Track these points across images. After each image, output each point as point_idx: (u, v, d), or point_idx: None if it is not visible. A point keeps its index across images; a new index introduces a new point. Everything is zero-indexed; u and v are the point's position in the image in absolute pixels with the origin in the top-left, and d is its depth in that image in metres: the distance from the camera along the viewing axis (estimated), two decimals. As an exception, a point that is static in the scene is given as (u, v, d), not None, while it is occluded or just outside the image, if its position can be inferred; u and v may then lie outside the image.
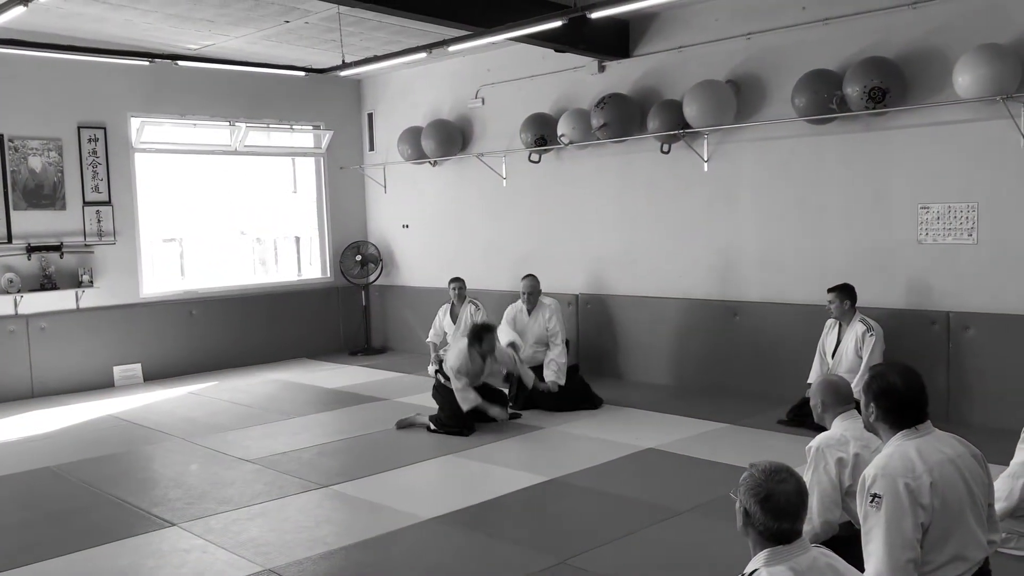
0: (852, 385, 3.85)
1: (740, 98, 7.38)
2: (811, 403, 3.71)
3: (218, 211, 10.69)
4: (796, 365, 6.75)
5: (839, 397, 3.59)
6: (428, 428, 6.69)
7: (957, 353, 6.35)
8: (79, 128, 8.71)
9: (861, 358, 6.14)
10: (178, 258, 11.20)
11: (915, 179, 6.53)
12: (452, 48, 7.37)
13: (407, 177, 10.53)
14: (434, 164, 10.03)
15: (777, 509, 2.36)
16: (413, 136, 9.86)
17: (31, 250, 8.37)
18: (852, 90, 6.41)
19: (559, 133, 8.38)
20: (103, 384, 8.85)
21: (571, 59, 8.46)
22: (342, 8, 7.18)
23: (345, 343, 10.79)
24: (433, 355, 9.01)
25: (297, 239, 11.50)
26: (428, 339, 9.06)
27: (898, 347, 6.28)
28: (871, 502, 2.70)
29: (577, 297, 8.73)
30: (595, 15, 6.27)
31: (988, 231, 6.21)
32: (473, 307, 8.80)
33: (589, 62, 8.43)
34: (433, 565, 4.24)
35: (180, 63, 8.46)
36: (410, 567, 4.23)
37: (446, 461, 5.94)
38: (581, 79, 8.58)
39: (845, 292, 6.31)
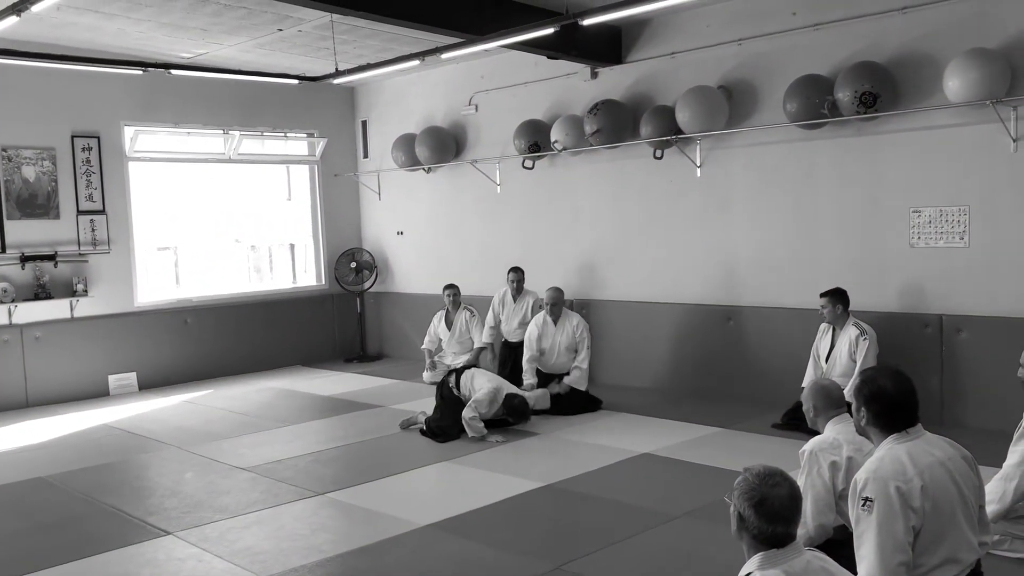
0: (845, 389, 3.86)
1: (732, 104, 7.41)
2: (803, 408, 3.73)
3: (212, 219, 10.69)
4: (790, 369, 6.77)
5: (831, 401, 3.60)
6: (420, 430, 6.71)
7: (950, 356, 6.38)
8: (73, 137, 8.72)
9: (855, 362, 6.16)
10: (173, 266, 11.19)
11: (907, 183, 6.56)
12: (445, 55, 7.40)
13: (401, 184, 10.54)
14: (428, 171, 10.04)
15: (771, 513, 2.38)
16: (407, 143, 9.88)
17: (25, 260, 8.36)
18: (843, 95, 6.44)
19: (552, 139, 8.41)
20: (98, 393, 8.84)
21: (564, 66, 8.49)
22: (335, 16, 7.20)
23: (340, 350, 10.79)
24: (428, 361, 9.04)
25: (292, 247, 11.50)
26: (423, 346, 9.09)
27: (891, 350, 6.30)
28: (862, 506, 2.71)
29: (571, 303, 8.74)
30: (587, 22, 6.30)
31: (979, 234, 6.24)
32: (468, 313, 8.87)
33: (582, 68, 8.46)
34: (429, 572, 4.24)
35: (173, 72, 8.46)
36: (406, 574, 4.23)
37: (442, 468, 5.94)
38: (574, 85, 8.61)
39: (838, 296, 6.34)
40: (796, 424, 6.01)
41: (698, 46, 7.65)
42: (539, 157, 8.78)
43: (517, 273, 8.49)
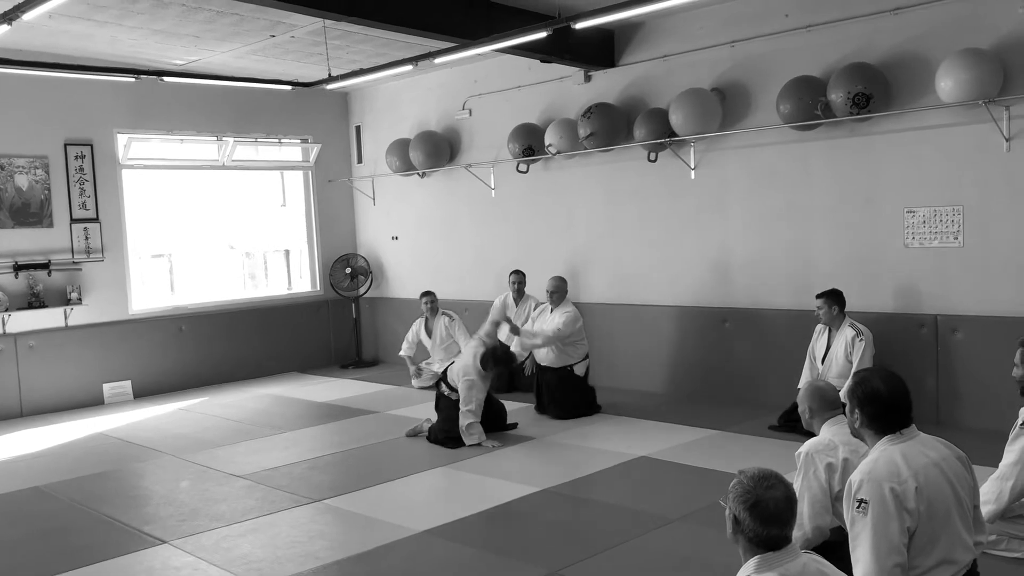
0: (841, 390, 3.86)
1: (725, 106, 7.42)
2: (799, 409, 3.72)
3: (207, 226, 10.67)
4: (786, 371, 6.77)
5: (826, 403, 3.60)
6: (427, 437, 6.70)
7: (946, 356, 6.38)
8: (66, 145, 8.70)
9: (851, 363, 6.15)
10: (167, 274, 11.16)
11: (901, 183, 6.57)
12: (438, 60, 7.40)
13: (396, 189, 10.54)
14: (422, 176, 10.04)
15: (766, 515, 2.37)
16: (401, 148, 9.88)
17: (18, 268, 8.33)
18: (836, 96, 6.45)
19: (546, 143, 8.41)
20: (92, 402, 8.81)
21: (557, 69, 8.50)
22: (327, 22, 7.20)
23: (336, 357, 10.77)
24: (412, 368, 9.02)
25: (286, 253, 11.48)
26: (402, 352, 9.09)
27: (887, 351, 6.30)
28: (857, 508, 2.71)
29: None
30: (580, 25, 6.30)
31: (974, 234, 6.25)
32: (447, 319, 8.93)
33: (575, 72, 8.46)
34: (426, 578, 4.23)
35: (166, 79, 8.44)
36: (403, 580, 4.22)
37: (438, 473, 5.93)
38: (567, 89, 8.61)
39: (833, 298, 6.34)
40: (793, 426, 6.01)
41: (691, 48, 7.65)
42: (533, 161, 8.78)
43: (518, 276, 8.55)
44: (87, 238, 8.84)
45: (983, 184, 6.18)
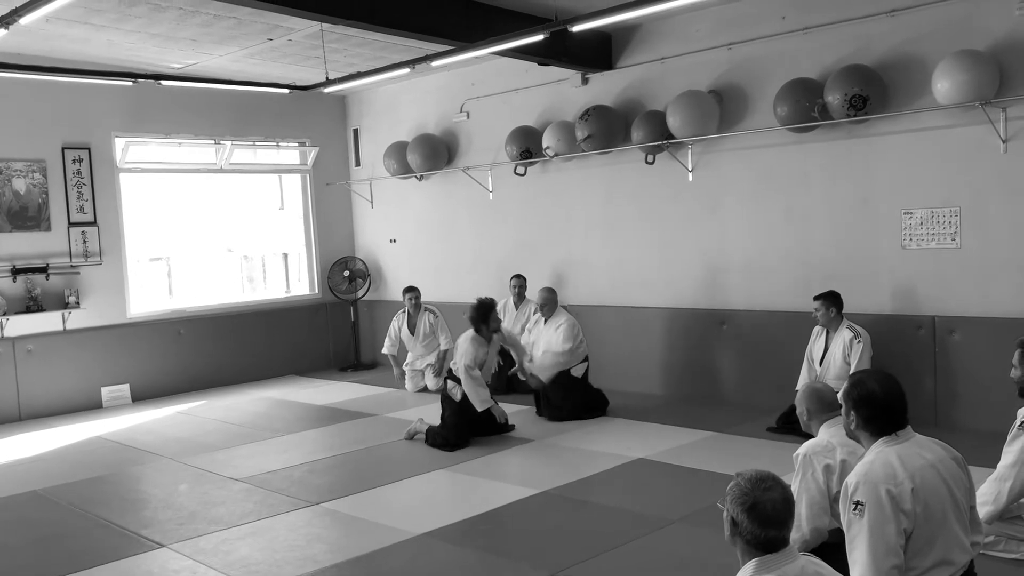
0: (839, 392, 3.86)
1: (723, 108, 7.43)
2: (797, 411, 3.73)
3: (205, 229, 10.67)
4: (784, 372, 6.77)
5: (824, 404, 3.60)
6: (426, 440, 6.70)
7: (943, 357, 6.39)
8: (63, 149, 8.70)
9: (849, 365, 6.16)
10: (165, 277, 11.18)
11: (898, 185, 6.58)
12: (435, 63, 7.40)
13: (393, 192, 10.54)
14: (420, 179, 10.04)
15: (764, 517, 2.37)
16: (399, 151, 9.88)
17: (16, 272, 8.33)
18: (833, 98, 6.46)
19: (544, 145, 8.42)
20: (91, 405, 8.80)
21: (555, 72, 8.50)
22: (325, 25, 7.20)
23: (334, 359, 10.77)
24: (397, 370, 9.02)
25: (285, 256, 11.49)
26: (385, 350, 9.11)
27: (885, 352, 6.31)
28: (854, 509, 2.71)
29: (566, 308, 8.73)
30: (577, 28, 6.31)
31: (971, 235, 6.26)
32: (431, 315, 8.95)
33: (572, 75, 8.47)
34: (424, 581, 4.23)
35: (164, 82, 8.44)
36: (401, 583, 4.22)
37: (436, 476, 5.93)
38: (565, 91, 8.62)
39: (831, 299, 6.35)
40: (791, 428, 6.02)
41: (688, 51, 7.67)
42: (531, 163, 8.79)
43: (519, 280, 8.60)
44: (85, 242, 8.84)
45: (980, 185, 6.19)
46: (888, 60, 6.51)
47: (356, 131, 10.99)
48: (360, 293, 10.75)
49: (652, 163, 7.92)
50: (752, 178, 7.41)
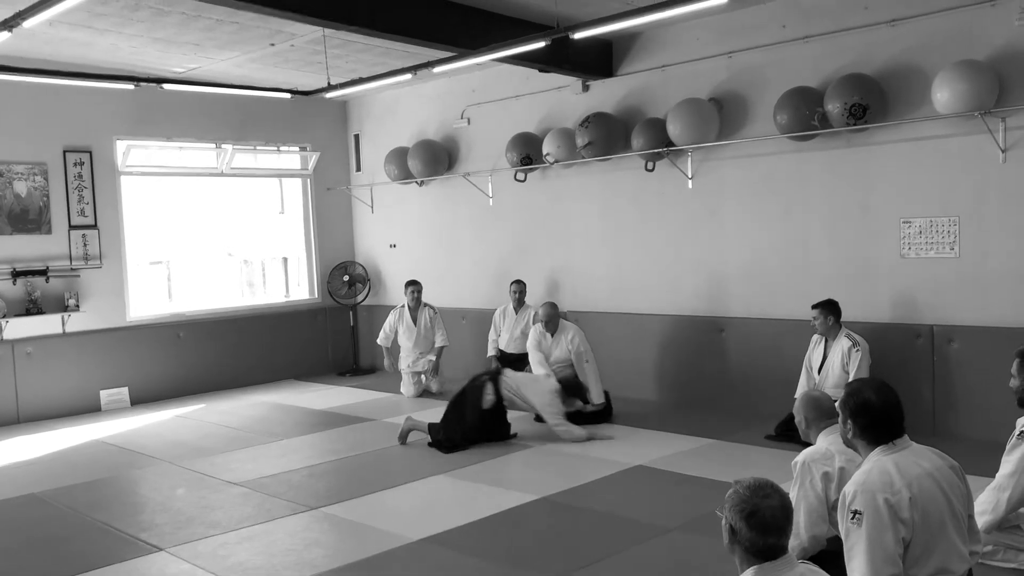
0: (837, 400, 3.87)
1: (723, 116, 7.45)
2: (795, 419, 3.73)
3: (205, 233, 10.68)
4: (783, 380, 6.78)
5: (822, 412, 3.61)
6: (429, 442, 6.72)
7: (942, 366, 6.40)
8: (65, 152, 8.71)
9: (848, 373, 6.17)
10: (165, 281, 11.18)
11: (897, 194, 6.60)
12: (437, 69, 7.43)
13: (394, 197, 10.56)
14: (421, 184, 10.06)
15: (763, 525, 2.38)
16: (399, 156, 9.90)
17: (16, 275, 8.33)
18: (833, 107, 6.48)
19: (544, 152, 8.43)
20: (90, 408, 8.80)
21: (555, 79, 8.53)
22: (327, 31, 7.23)
23: (333, 364, 10.77)
24: (388, 361, 9.12)
25: (285, 260, 11.50)
26: (380, 341, 9.21)
27: (883, 361, 6.32)
28: (852, 518, 2.72)
29: (564, 314, 8.74)
30: (578, 35, 6.33)
31: (969, 244, 6.27)
32: (431, 311, 9.02)
33: (573, 82, 8.49)
34: (422, 586, 4.23)
35: (166, 86, 8.46)
36: (399, 589, 4.22)
37: (435, 481, 5.93)
38: (565, 98, 8.64)
39: (829, 308, 6.36)
40: (789, 435, 6.01)
41: (689, 59, 7.69)
42: (531, 170, 8.80)
43: (519, 285, 8.64)
44: (85, 245, 8.84)
45: (979, 195, 6.21)
46: (888, 69, 6.53)
47: (357, 136, 11.01)
48: (360, 298, 10.76)
49: (652, 170, 7.93)
50: (752, 186, 7.42)
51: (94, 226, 8.91)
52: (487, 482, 5.84)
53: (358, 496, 5.60)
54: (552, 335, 7.60)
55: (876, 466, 2.80)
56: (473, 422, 6.70)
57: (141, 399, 9.13)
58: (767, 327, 7.33)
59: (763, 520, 2.38)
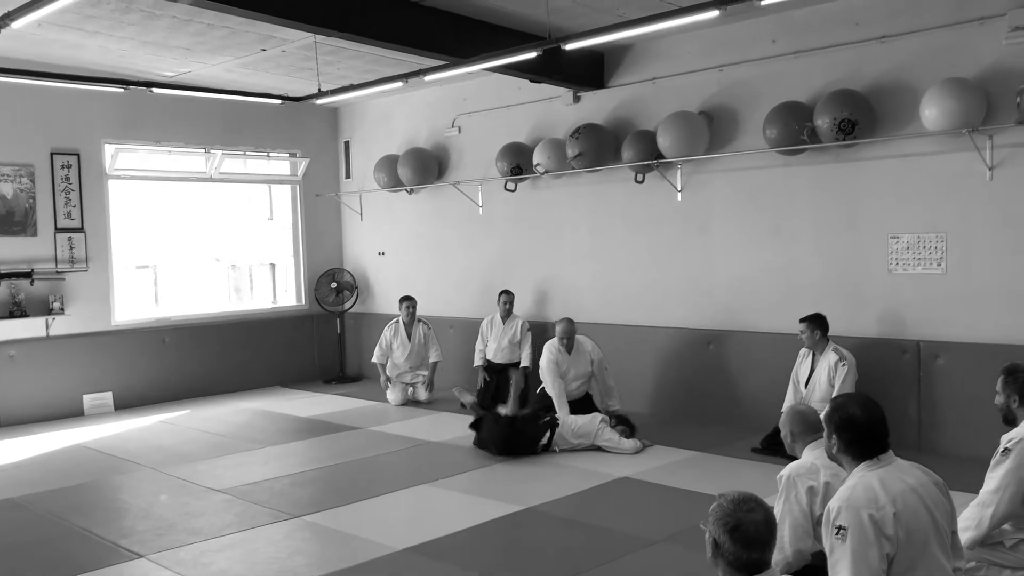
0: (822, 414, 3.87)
1: (713, 129, 7.47)
2: (781, 433, 3.73)
3: (193, 238, 10.61)
4: (770, 394, 6.79)
5: (807, 426, 3.61)
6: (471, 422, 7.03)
7: (928, 382, 6.41)
8: (52, 154, 8.66)
9: (834, 387, 6.17)
10: (152, 285, 11.07)
11: (885, 209, 6.63)
12: (428, 78, 7.42)
13: (383, 205, 10.54)
14: (410, 192, 10.04)
15: (746, 539, 2.37)
16: (389, 164, 9.89)
17: (0, 277, 8.26)
18: (822, 122, 6.50)
19: (535, 162, 8.44)
20: (72, 413, 8.72)
21: (547, 89, 8.54)
22: (318, 37, 7.22)
23: (319, 371, 10.72)
24: (384, 377, 9.01)
25: (272, 266, 11.44)
26: (376, 359, 9.13)
27: (870, 376, 6.33)
28: (836, 534, 2.71)
29: (553, 325, 8.73)
30: (569, 47, 6.34)
31: (956, 261, 6.30)
32: (424, 326, 9.01)
33: (564, 92, 8.51)
34: (405, 597, 4.19)
35: (155, 90, 8.43)
36: (382, 599, 4.19)
37: (420, 491, 5.90)
38: (556, 109, 8.66)
39: (817, 322, 6.37)
40: (775, 449, 6.00)
41: (679, 72, 7.71)
42: (521, 180, 8.80)
43: (508, 296, 8.65)
44: (71, 248, 8.78)
45: (966, 212, 6.24)
46: (877, 86, 6.57)
47: (347, 143, 11.00)
48: (347, 305, 10.72)
49: (642, 182, 7.95)
50: (740, 199, 7.44)
51: (81, 229, 8.85)
52: (472, 492, 5.81)
53: (342, 505, 5.57)
54: (569, 352, 7.49)
55: (861, 482, 2.80)
56: (512, 447, 6.64)
57: (125, 404, 9.05)
58: (755, 340, 7.34)
59: (747, 534, 2.37)
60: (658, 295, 8.00)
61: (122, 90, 8.17)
